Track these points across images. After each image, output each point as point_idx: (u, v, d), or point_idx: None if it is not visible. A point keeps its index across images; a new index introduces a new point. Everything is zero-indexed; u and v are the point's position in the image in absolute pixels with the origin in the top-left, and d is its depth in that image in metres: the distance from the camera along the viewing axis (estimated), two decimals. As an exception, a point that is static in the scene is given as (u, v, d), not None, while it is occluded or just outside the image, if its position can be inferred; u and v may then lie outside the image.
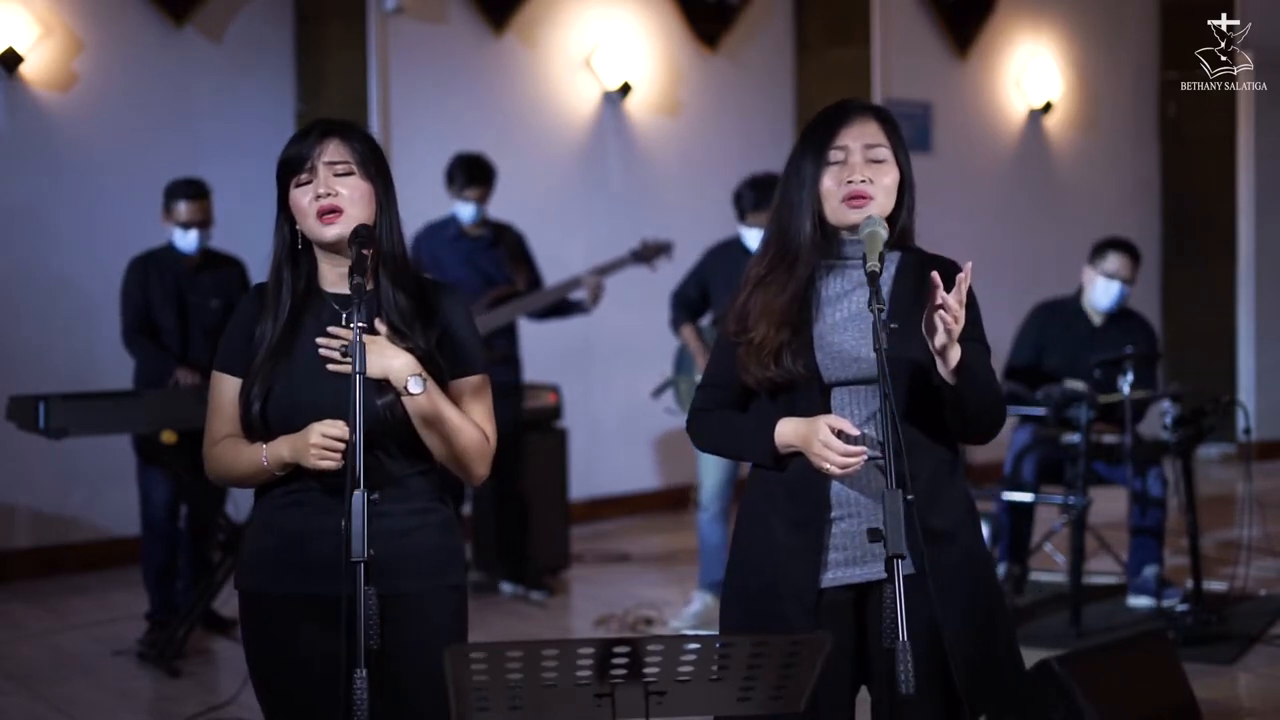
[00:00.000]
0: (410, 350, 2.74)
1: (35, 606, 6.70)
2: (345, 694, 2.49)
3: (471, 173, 6.63)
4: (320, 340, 2.70)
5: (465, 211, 6.65)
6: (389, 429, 2.73)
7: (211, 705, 5.05)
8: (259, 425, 2.76)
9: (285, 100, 7.99)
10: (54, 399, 5.34)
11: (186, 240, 6.01)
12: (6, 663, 5.76)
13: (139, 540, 6.15)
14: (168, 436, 5.63)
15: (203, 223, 6.01)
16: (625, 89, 8.84)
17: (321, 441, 2.65)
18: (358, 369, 2.57)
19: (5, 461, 7.07)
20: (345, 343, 2.64)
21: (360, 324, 2.59)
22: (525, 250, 6.85)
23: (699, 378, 6.09)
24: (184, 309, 6.05)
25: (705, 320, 6.30)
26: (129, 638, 5.94)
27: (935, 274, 2.62)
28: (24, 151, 7.24)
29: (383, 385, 2.72)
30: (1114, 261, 6.31)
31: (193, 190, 6.02)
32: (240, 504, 5.95)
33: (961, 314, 2.62)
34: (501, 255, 6.73)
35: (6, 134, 7.19)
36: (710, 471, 6.12)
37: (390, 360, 2.71)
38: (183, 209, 5.98)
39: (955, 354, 2.66)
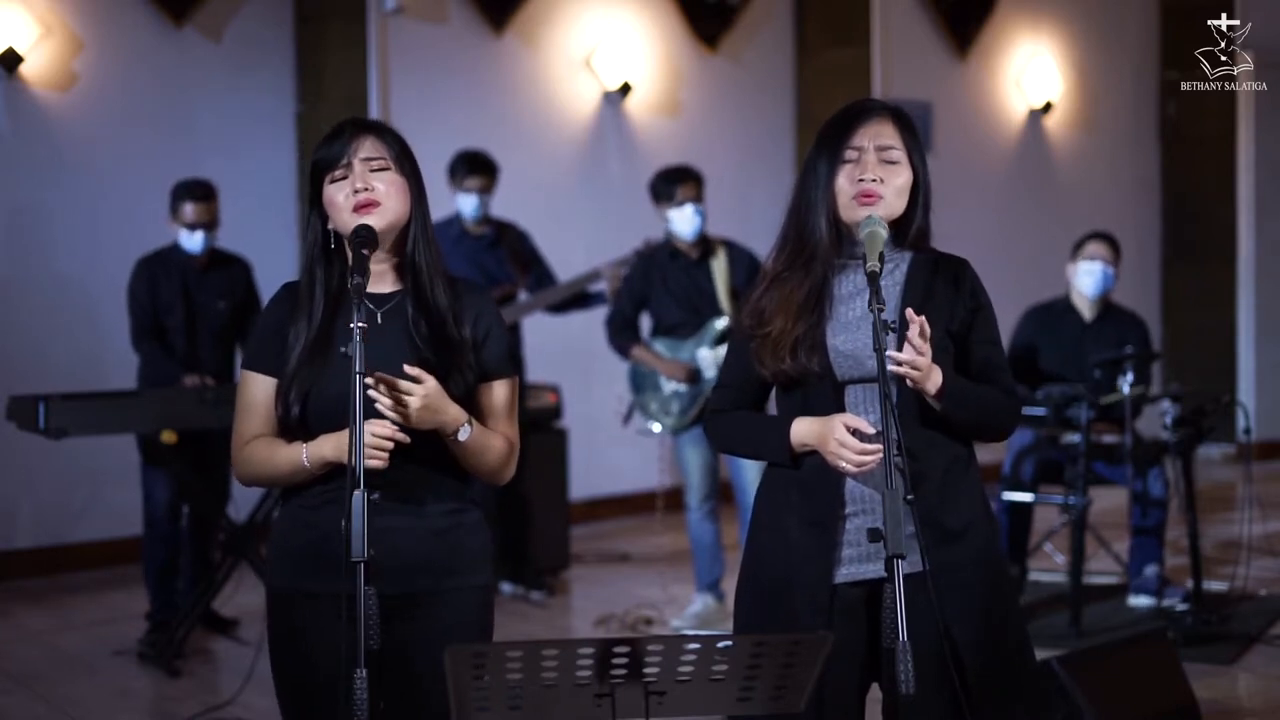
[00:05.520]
0: (426, 362, 2.71)
1: (35, 606, 6.70)
2: (345, 694, 2.48)
3: (472, 164, 6.62)
4: (372, 394, 2.62)
5: (467, 204, 6.62)
6: (425, 433, 2.71)
7: (211, 705, 5.05)
8: (299, 427, 2.75)
9: (285, 100, 7.99)
10: (54, 399, 5.34)
11: (193, 241, 5.97)
12: (6, 663, 5.76)
13: (139, 540, 6.14)
14: (167, 436, 5.63)
15: (209, 224, 5.99)
16: (625, 89, 8.84)
17: (371, 441, 2.61)
18: (358, 369, 2.56)
19: (6, 461, 7.07)
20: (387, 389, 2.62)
21: (362, 324, 2.58)
22: (530, 248, 6.84)
23: (667, 389, 6.14)
24: (191, 309, 6.03)
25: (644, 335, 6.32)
26: (129, 638, 5.93)
27: (910, 312, 2.69)
28: (24, 151, 7.24)
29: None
30: (1091, 247, 6.37)
31: (199, 192, 5.98)
32: (241, 505, 5.95)
33: (914, 371, 2.69)
34: (504, 254, 6.73)
35: (7, 134, 7.19)
36: (693, 471, 6.10)
37: (443, 416, 2.69)
38: (189, 211, 5.95)
39: (931, 385, 2.73)
